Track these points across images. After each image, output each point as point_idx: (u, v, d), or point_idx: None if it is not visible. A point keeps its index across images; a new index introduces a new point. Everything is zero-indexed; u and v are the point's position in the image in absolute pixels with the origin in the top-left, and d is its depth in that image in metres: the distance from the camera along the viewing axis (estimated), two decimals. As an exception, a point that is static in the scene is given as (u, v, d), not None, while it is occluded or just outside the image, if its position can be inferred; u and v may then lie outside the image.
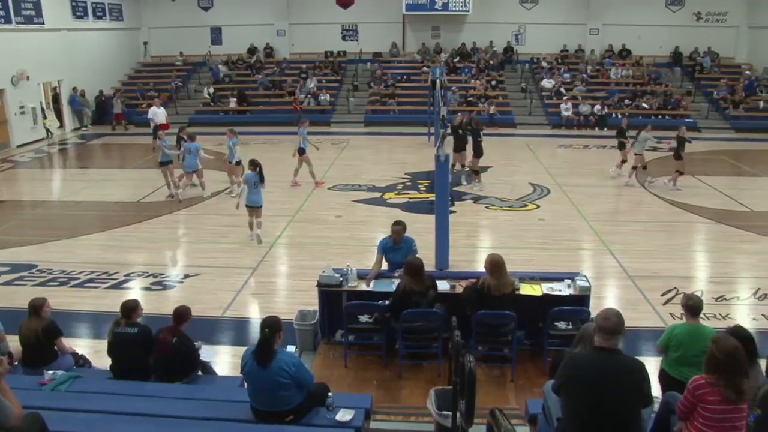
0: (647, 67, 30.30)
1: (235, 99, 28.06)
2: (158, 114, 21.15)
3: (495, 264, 7.29)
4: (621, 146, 18.02)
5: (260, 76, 29.98)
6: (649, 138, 16.80)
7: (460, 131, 16.65)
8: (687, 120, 25.28)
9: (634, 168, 17.17)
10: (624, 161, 18.04)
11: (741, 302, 10.15)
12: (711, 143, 23.25)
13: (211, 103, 28.34)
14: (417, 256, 8.00)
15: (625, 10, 30.39)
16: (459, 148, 16.91)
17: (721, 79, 29.11)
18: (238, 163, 15.95)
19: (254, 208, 12.45)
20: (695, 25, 30.71)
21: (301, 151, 16.84)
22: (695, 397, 4.48)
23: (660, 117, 26.31)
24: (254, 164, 12.39)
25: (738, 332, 5.42)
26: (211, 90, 28.64)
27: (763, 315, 9.58)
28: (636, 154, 17.06)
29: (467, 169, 17.27)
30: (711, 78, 29.60)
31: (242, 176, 13.72)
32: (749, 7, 30.16)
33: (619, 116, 26.92)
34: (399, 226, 8.70)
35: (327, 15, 30.98)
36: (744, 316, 9.58)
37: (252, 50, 31.75)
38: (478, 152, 16.43)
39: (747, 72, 28.89)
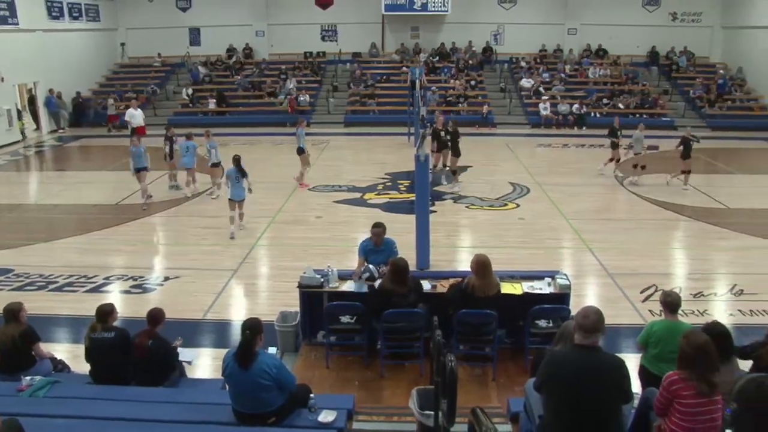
0: (624, 66, 30.59)
1: (214, 100, 27.92)
2: (135, 116, 20.93)
3: (481, 264, 7.30)
4: (614, 146, 18.17)
5: (239, 77, 29.86)
6: (641, 137, 17.06)
7: (443, 133, 16.80)
8: (664, 119, 25.57)
9: (634, 167, 17.29)
10: (612, 159, 18.29)
11: (718, 298, 10.27)
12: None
13: (190, 105, 28.19)
14: (401, 257, 8.00)
15: (602, 10, 30.64)
16: (441, 148, 17.20)
17: (697, 78, 29.47)
18: (217, 165, 15.87)
19: (235, 202, 12.84)
20: (671, 25, 31.08)
21: (300, 151, 16.91)
22: (670, 393, 4.54)
23: (638, 116, 26.53)
24: (235, 160, 12.91)
25: (715, 328, 5.49)
26: (190, 91, 28.48)
27: (740, 310, 9.71)
28: (635, 154, 17.20)
29: (447, 168, 17.36)
30: (687, 77, 29.95)
31: (222, 177, 14.64)
32: (723, 7, 30.59)
33: (597, 115, 27.31)
34: (378, 229, 8.67)
35: (306, 15, 30.90)
36: (721, 311, 9.69)
37: (231, 51, 31.59)
38: (456, 152, 16.59)
39: (721, 71, 29.20)
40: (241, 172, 12.80)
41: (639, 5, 31.02)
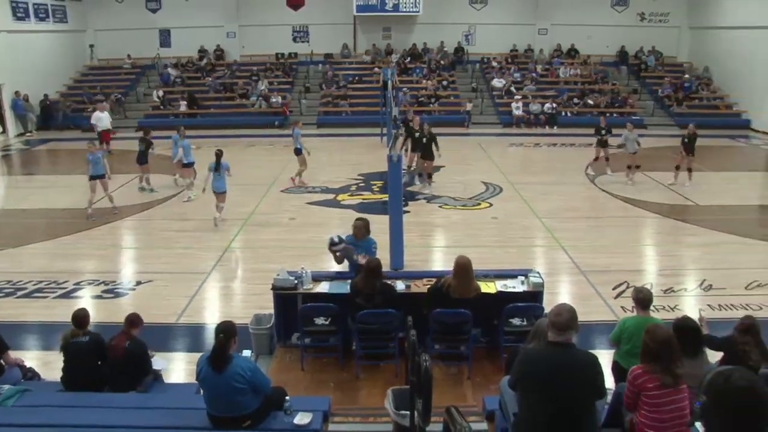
0: (594, 66, 30.92)
1: (185, 102, 27.69)
2: (102, 119, 20.63)
3: (458, 266, 7.35)
4: (603, 144, 18.38)
5: (210, 79, 29.66)
6: (636, 136, 17.29)
7: (424, 139, 16.49)
8: (634, 117, 25.81)
9: (638, 167, 17.45)
10: (597, 158, 18.56)
11: (688, 293, 10.45)
12: (657, 140, 23.81)
13: (161, 107, 27.93)
14: (376, 257, 8.01)
15: (572, 10, 30.93)
16: (415, 148, 17.03)
17: (665, 77, 29.88)
18: (190, 165, 15.75)
19: (216, 194, 13.55)
20: (639, 25, 31.51)
21: (297, 152, 16.95)
22: (636, 387, 4.63)
23: (608, 115, 26.82)
24: (216, 154, 13.66)
25: (686, 323, 5.58)
26: (161, 93, 28.21)
27: (709, 305, 9.83)
28: (632, 153, 17.34)
29: (414, 168, 17.42)
30: (655, 76, 30.40)
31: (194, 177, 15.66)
32: (690, 8, 31.12)
33: (568, 114, 27.60)
34: (360, 222, 8.72)
35: (277, 16, 30.78)
36: (691, 306, 9.82)
37: (202, 52, 31.36)
38: (430, 156, 16.57)
39: (686, 76, 29.61)
40: (217, 164, 13.43)
41: (608, 6, 31.40)
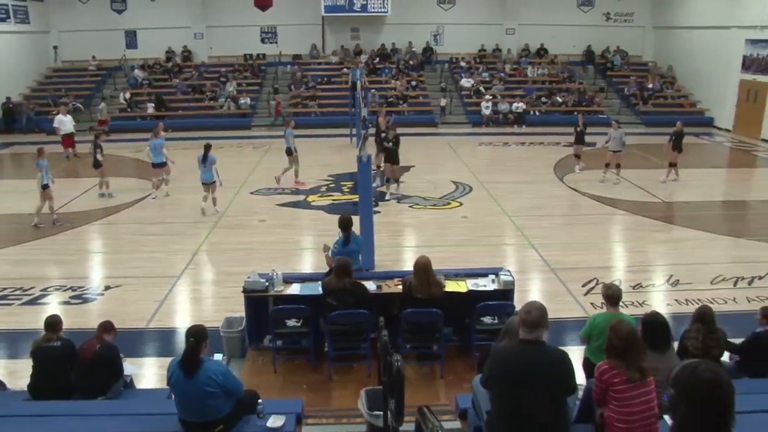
0: (562, 65, 31.22)
1: (153, 104, 27.40)
2: (65, 122, 20.27)
3: (417, 266, 7.41)
4: (582, 141, 18.65)
5: (178, 81, 29.38)
6: (621, 134, 17.48)
7: (391, 144, 15.96)
8: (601, 116, 26.17)
9: (618, 165, 17.60)
10: (577, 156, 18.79)
11: (656, 289, 10.61)
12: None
13: (128, 109, 27.58)
14: (344, 257, 8.02)
15: (539, 10, 31.21)
16: (393, 160, 16.19)
17: (631, 76, 30.30)
18: (159, 165, 15.88)
19: (204, 184, 14.38)
20: (605, 25, 31.94)
21: (289, 152, 16.99)
22: (603, 382, 4.69)
23: (576, 113, 27.13)
24: (205, 147, 14.49)
25: (655, 318, 5.67)
26: (128, 95, 27.84)
27: (676, 300, 10.04)
28: (616, 152, 17.51)
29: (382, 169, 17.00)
30: (621, 75, 30.80)
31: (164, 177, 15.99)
32: (654, 8, 31.65)
33: (537, 113, 27.85)
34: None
35: (245, 17, 30.52)
36: (659, 302, 10.02)
37: (169, 54, 31.07)
38: (395, 161, 16.18)
39: (649, 84, 29.98)
40: (204, 157, 14.28)
41: (574, 6, 31.75)
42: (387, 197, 15.94)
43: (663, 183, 17.47)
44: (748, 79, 25.19)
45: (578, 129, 18.64)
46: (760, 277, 10.90)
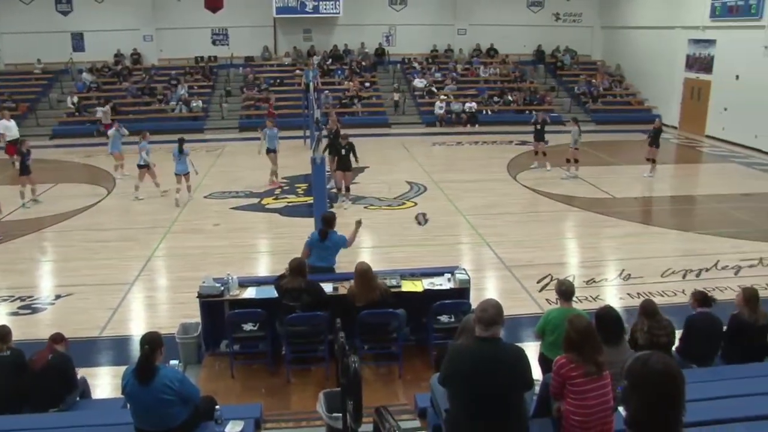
0: (513, 65, 31.59)
1: (102, 108, 26.81)
2: (10, 128, 19.66)
3: (356, 272, 7.49)
4: (541, 138, 18.97)
5: (128, 84, 28.86)
6: (578, 131, 17.90)
7: (343, 150, 15.30)
8: (552, 114, 26.52)
9: (576, 161, 18.06)
10: (536, 152, 19.14)
11: (609, 283, 10.83)
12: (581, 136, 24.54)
13: (77, 113, 26.95)
14: (298, 257, 7.99)
15: (490, 10, 31.52)
16: (345, 167, 15.45)
17: (581, 75, 30.84)
18: (144, 167, 15.99)
19: (178, 176, 15.45)
20: (555, 24, 32.45)
21: (269, 151, 17.16)
22: (560, 376, 4.77)
23: (528, 112, 27.55)
24: (179, 140, 15.58)
25: (608, 313, 5.80)
26: (76, 99, 27.22)
27: (628, 294, 10.26)
28: (575, 149, 17.92)
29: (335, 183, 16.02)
30: (571, 74, 31.31)
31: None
32: (601, 9, 32.28)
33: (489, 113, 28.14)
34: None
35: (195, 19, 30.12)
36: (612, 296, 10.24)
37: (118, 57, 30.48)
38: (348, 167, 15.45)
39: (594, 81, 30.53)
40: (180, 150, 15.31)
41: (524, 6, 32.16)
42: (343, 203, 15.36)
43: (645, 177, 18.11)
44: (691, 78, 25.89)
45: (537, 126, 18.92)
46: (707, 269, 11.23)
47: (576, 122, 18.41)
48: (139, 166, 16.04)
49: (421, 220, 12.48)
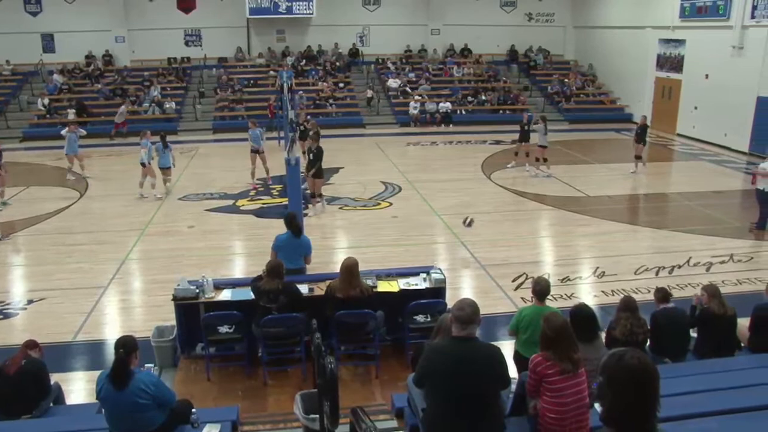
0: (486, 65, 31.76)
1: (74, 110, 26.52)
2: None
3: (342, 266, 7.49)
4: (525, 138, 19.04)
5: (100, 86, 28.53)
6: (543, 129, 18.04)
7: (311, 156, 14.64)
8: (526, 113, 26.70)
9: (544, 159, 18.20)
10: (516, 153, 19.27)
11: (583, 281, 10.94)
12: (548, 134, 24.70)
13: (47, 115, 26.59)
14: (276, 259, 7.98)
15: (463, 10, 31.68)
16: (316, 174, 14.74)
17: (554, 74, 31.08)
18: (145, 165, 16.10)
19: (163, 169, 16.32)
20: (527, 24, 32.72)
21: (257, 151, 17.29)
22: (537, 374, 4.81)
23: (502, 112, 27.74)
24: (161, 136, 16.40)
25: (582, 311, 5.87)
26: (46, 101, 26.85)
27: (603, 291, 10.38)
28: (541, 146, 18.05)
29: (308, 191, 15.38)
30: (545, 74, 31.55)
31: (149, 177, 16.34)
32: (573, 9, 32.62)
33: (463, 112, 28.23)
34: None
35: (168, 20, 29.98)
36: (586, 294, 10.34)
37: (89, 58, 30.13)
38: (318, 174, 14.79)
39: (566, 81, 30.79)
40: (164, 145, 16.12)
41: (497, 6, 32.37)
42: (311, 212, 14.81)
43: (632, 173, 18.56)
44: (662, 77, 26.24)
45: (525, 126, 19.08)
46: (680, 266, 11.40)
47: (543, 120, 18.52)
48: (143, 165, 16.15)
49: (469, 222, 12.56)
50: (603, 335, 6.23)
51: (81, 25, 29.42)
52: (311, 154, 14.67)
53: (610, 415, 2.91)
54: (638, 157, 18.63)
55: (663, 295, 7.03)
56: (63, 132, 18.45)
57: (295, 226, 8.82)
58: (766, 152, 13.30)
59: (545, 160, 18.18)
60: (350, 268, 7.41)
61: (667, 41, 25.60)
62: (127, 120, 25.57)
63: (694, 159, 21.30)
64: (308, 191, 15.15)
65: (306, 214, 12.73)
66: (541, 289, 6.61)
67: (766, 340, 6.88)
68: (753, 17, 21.02)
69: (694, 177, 18.67)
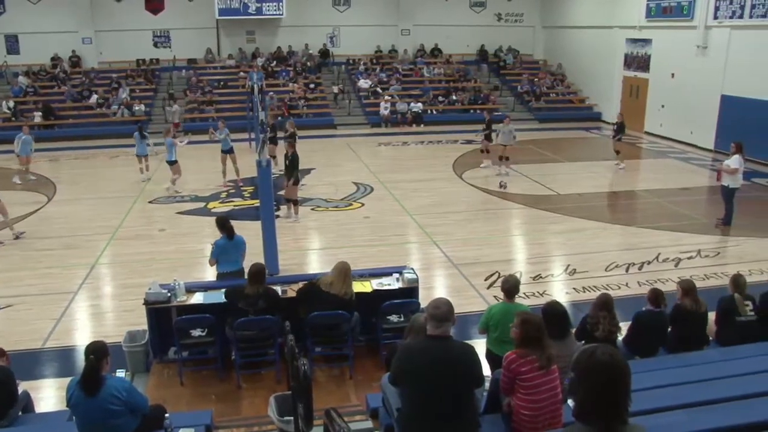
0: (457, 65, 31.90)
1: (40, 113, 26.12)
2: None
3: (338, 267, 7.53)
4: (488, 137, 19.25)
5: (67, 88, 28.12)
6: (511, 129, 18.23)
7: (287, 162, 14.16)
8: (496, 113, 26.87)
9: (506, 158, 18.33)
10: (486, 151, 19.44)
11: (555, 279, 11.04)
12: (518, 134, 24.83)
13: (13, 118, 26.15)
14: (258, 263, 7.96)
15: (433, 11, 31.83)
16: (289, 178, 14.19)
17: (523, 74, 31.32)
18: (172, 163, 16.66)
19: (140, 157, 17.89)
20: (497, 25, 32.95)
21: (230, 151, 17.54)
22: (511, 372, 4.85)
23: (472, 111, 27.87)
24: (138, 128, 18.15)
25: (554, 308, 5.93)
26: (11, 104, 26.40)
27: (574, 288, 10.50)
28: (501, 145, 18.23)
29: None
30: (514, 73, 31.78)
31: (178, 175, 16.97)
32: (542, 9, 32.92)
33: (434, 112, 28.35)
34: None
35: (136, 21, 29.65)
36: (559, 291, 10.45)
37: (56, 60, 29.67)
38: (294, 180, 14.23)
39: (548, 72, 31.13)
40: (141, 135, 17.82)
41: (467, 6, 32.54)
42: (283, 212, 14.66)
43: (621, 169, 19.08)
44: (630, 76, 26.60)
45: (487, 126, 19.31)
46: (649, 262, 11.56)
47: (509, 120, 18.66)
48: (169, 162, 16.65)
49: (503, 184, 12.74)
50: (573, 331, 6.30)
51: (46, 26, 28.93)
52: (287, 161, 14.19)
53: (582, 410, 2.95)
54: (617, 152, 19.26)
55: (656, 297, 7.00)
56: (20, 136, 18.09)
57: (228, 228, 8.89)
58: (730, 149, 13.51)
59: (507, 159, 18.29)
60: (346, 271, 7.49)
61: (634, 41, 25.96)
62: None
63: (661, 156, 21.61)
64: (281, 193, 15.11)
65: (277, 216, 12.67)
66: (510, 287, 6.68)
67: (731, 332, 7.01)
68: (716, 18, 21.40)
69: (662, 174, 18.95)
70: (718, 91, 21.32)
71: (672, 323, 7.04)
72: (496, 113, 26.76)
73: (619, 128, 19.13)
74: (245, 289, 7.32)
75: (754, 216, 14.46)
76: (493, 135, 19.01)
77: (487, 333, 6.61)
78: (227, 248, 8.85)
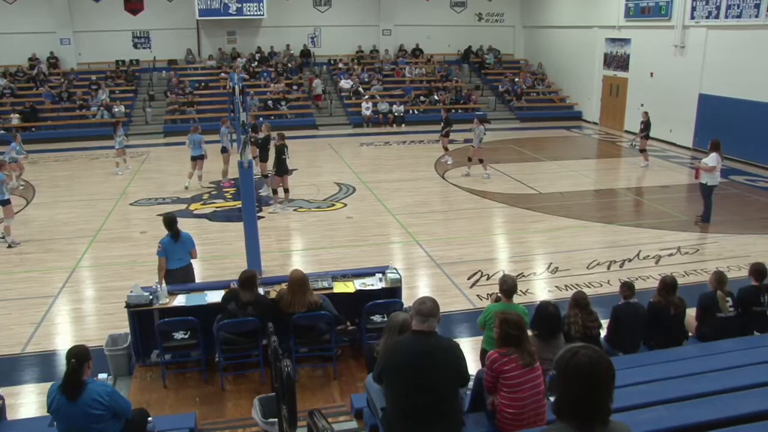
0: (438, 64, 31.97)
1: (18, 115, 25.84)
2: None
3: (291, 281, 7.42)
4: (446, 135, 19.60)
5: (45, 89, 27.84)
6: (482, 130, 18.14)
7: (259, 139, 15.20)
8: (477, 112, 26.98)
9: (481, 160, 18.20)
10: (446, 149, 19.84)
11: (537, 277, 11.09)
12: (500, 133, 25.09)
13: (-10, 121, 25.90)
14: (249, 269, 7.93)
15: (413, 11, 31.91)
16: (279, 170, 15.14)
17: (505, 74, 31.45)
18: (199, 158, 17.28)
19: (119, 149, 19.02)
20: (478, 24, 33.08)
21: (224, 150, 17.68)
22: (494, 371, 4.87)
23: (454, 111, 27.90)
24: (115, 124, 19.82)
25: (546, 309, 6.02)
26: (-13, 106, 26.13)
27: (557, 286, 10.56)
28: (477, 148, 18.12)
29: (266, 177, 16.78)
30: (496, 73, 31.90)
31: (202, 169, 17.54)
32: (522, 9, 33.09)
33: (416, 112, 28.39)
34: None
35: (115, 22, 29.42)
36: (541, 289, 10.51)
37: (33, 61, 29.35)
38: (282, 169, 15.09)
39: (517, 79, 31.19)
40: (116, 130, 19.23)
41: (447, 6, 32.62)
42: (276, 208, 15.30)
43: (642, 167, 19.42)
44: (609, 75, 26.81)
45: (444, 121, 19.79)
46: (630, 260, 11.67)
47: (480, 122, 18.69)
48: (192, 158, 17.19)
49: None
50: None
51: (23, 27, 28.58)
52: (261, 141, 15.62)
53: (561, 409, 2.97)
54: (642, 151, 19.54)
55: (628, 288, 7.16)
56: (14, 146, 17.89)
57: (174, 229, 8.88)
58: (708, 147, 13.68)
59: (481, 161, 18.30)
60: (300, 281, 7.34)
61: (614, 40, 26.16)
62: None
63: (641, 154, 21.74)
64: (264, 193, 15.14)
65: (261, 213, 12.64)
66: (508, 288, 6.75)
67: (711, 329, 7.09)
68: (693, 17, 21.62)
69: (642, 172, 19.10)
70: (696, 89, 21.56)
71: (651, 320, 7.11)
72: (478, 113, 26.96)
73: (646, 126, 19.42)
74: (241, 297, 7.28)
75: (732, 213, 14.64)
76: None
77: (483, 329, 6.68)
78: (173, 246, 8.81)
